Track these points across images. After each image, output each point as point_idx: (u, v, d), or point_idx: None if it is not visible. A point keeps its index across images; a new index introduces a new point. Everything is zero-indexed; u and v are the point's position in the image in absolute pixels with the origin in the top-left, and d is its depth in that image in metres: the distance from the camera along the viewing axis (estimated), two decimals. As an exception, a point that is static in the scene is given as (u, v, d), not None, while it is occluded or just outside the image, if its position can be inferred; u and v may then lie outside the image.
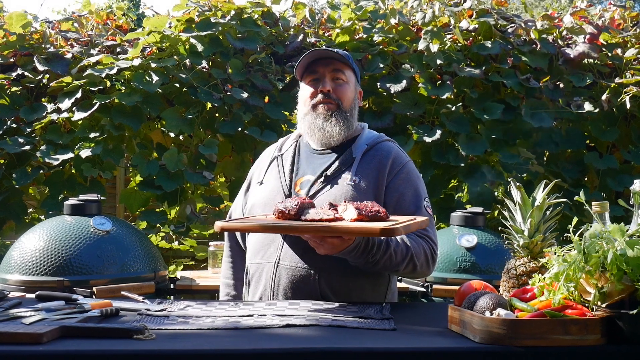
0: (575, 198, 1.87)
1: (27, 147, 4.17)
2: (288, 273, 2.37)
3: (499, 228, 2.24)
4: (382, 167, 2.43)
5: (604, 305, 1.67)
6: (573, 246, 1.74)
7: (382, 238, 2.22)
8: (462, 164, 4.37)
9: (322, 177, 2.44)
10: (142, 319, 1.94)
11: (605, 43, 4.57)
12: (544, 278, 1.81)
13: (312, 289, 2.34)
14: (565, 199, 2.11)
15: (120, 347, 1.63)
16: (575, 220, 1.82)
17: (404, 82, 4.38)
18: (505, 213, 2.09)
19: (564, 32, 4.64)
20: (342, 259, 2.25)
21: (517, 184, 2.06)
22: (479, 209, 3.70)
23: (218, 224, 2.14)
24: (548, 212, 2.05)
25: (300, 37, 4.51)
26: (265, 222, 2.13)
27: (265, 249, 2.44)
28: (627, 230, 1.71)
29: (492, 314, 1.71)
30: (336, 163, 2.45)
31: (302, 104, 2.53)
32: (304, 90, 2.52)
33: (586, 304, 1.72)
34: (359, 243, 2.17)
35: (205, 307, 2.12)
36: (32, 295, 2.34)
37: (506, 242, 2.11)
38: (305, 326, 1.88)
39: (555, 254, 1.81)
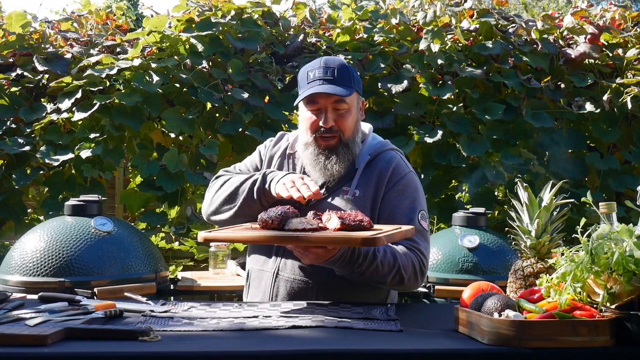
0: (583, 199, 1.86)
1: (26, 148, 4.15)
2: (286, 284, 2.38)
3: (505, 229, 2.23)
4: (381, 179, 2.41)
5: (613, 307, 1.66)
6: (581, 247, 1.73)
7: (369, 249, 2.20)
8: (463, 165, 4.36)
9: (324, 189, 2.42)
10: (146, 321, 1.93)
11: (606, 43, 4.56)
12: (552, 279, 1.80)
13: (309, 300, 2.33)
14: (571, 200, 2.11)
15: (125, 349, 1.62)
16: (583, 220, 1.81)
17: (405, 82, 4.37)
18: (512, 213, 2.08)
19: (565, 32, 4.64)
20: (337, 273, 2.25)
21: (524, 184, 2.05)
22: (481, 210, 3.69)
23: (201, 235, 2.10)
24: (555, 213, 2.04)
25: (301, 37, 4.50)
26: (248, 234, 2.11)
27: (266, 258, 2.44)
28: (635, 231, 1.70)
29: (500, 315, 1.70)
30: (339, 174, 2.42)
31: (303, 130, 2.44)
32: (305, 116, 2.42)
33: (595, 305, 1.71)
34: (344, 253, 2.16)
35: (210, 308, 2.11)
36: (34, 296, 2.32)
37: (513, 243, 2.10)
38: (311, 327, 1.87)
39: (562, 254, 1.80)
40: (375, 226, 2.15)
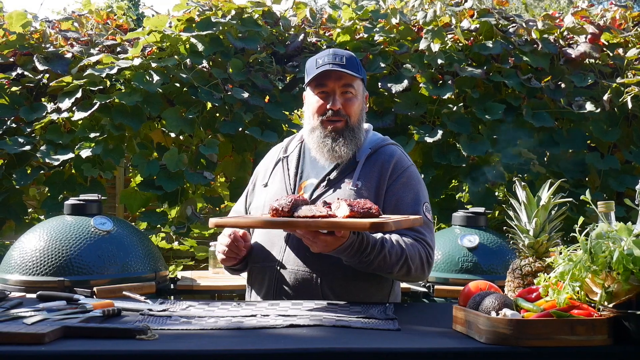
0: (582, 197, 1.85)
1: (27, 147, 4.15)
2: (290, 276, 2.37)
3: (504, 228, 2.23)
4: (384, 172, 2.42)
5: (610, 306, 1.66)
6: (579, 246, 1.73)
7: (377, 238, 2.22)
8: (464, 164, 4.36)
9: (325, 181, 2.44)
10: (144, 319, 1.93)
11: (607, 43, 4.56)
12: (550, 277, 1.80)
13: (314, 292, 2.33)
14: (569, 199, 2.10)
15: (122, 348, 1.61)
16: (581, 219, 1.81)
17: (405, 82, 4.36)
18: (510, 213, 2.08)
19: (565, 32, 4.63)
20: (344, 263, 2.24)
21: (523, 183, 2.04)
22: (481, 209, 3.69)
23: (212, 221, 2.14)
24: (553, 212, 2.03)
25: (301, 36, 4.50)
26: (258, 218, 2.13)
27: (268, 253, 2.44)
28: (634, 230, 1.70)
29: (498, 314, 1.70)
30: (339, 167, 2.44)
31: (309, 115, 2.48)
32: (312, 101, 2.46)
33: (592, 304, 1.70)
34: (353, 241, 2.16)
35: (208, 307, 2.11)
36: (33, 296, 2.32)
37: (511, 242, 2.09)
38: (309, 326, 1.86)
39: (560, 253, 1.79)
40: (383, 215, 2.16)
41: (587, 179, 4.59)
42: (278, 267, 2.39)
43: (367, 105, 2.59)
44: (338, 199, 2.16)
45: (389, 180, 2.42)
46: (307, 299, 2.30)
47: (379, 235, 2.24)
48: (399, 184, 2.41)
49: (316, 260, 2.30)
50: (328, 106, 2.42)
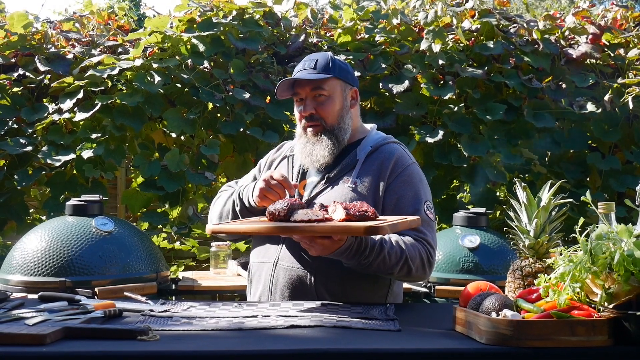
0: (582, 198, 1.86)
1: (28, 148, 4.15)
2: (285, 273, 2.38)
3: (504, 228, 2.23)
4: (384, 169, 2.42)
5: (611, 306, 1.66)
6: (579, 247, 1.73)
7: (376, 240, 2.22)
8: (465, 165, 4.36)
9: (325, 179, 2.44)
10: (145, 320, 1.93)
11: (608, 43, 4.56)
12: (550, 278, 1.80)
13: (308, 290, 2.34)
14: (570, 200, 2.10)
15: (124, 348, 1.62)
16: (582, 220, 1.81)
17: (406, 82, 4.37)
18: (511, 213, 2.08)
19: (566, 33, 4.63)
20: (339, 261, 2.25)
21: (523, 184, 2.05)
22: (482, 210, 3.69)
23: (209, 227, 2.14)
24: (554, 213, 2.03)
25: (302, 37, 4.50)
26: (254, 225, 2.13)
27: (266, 249, 2.46)
28: (635, 231, 1.70)
29: (498, 315, 1.70)
30: (340, 165, 2.45)
31: (297, 122, 2.53)
32: (295, 109, 2.52)
33: (593, 305, 1.70)
34: (351, 244, 2.16)
35: (209, 308, 2.12)
36: (34, 296, 2.33)
37: (512, 243, 2.09)
38: (309, 327, 1.87)
39: (561, 254, 1.80)
40: (380, 217, 2.16)
41: (588, 179, 4.59)
42: (274, 264, 2.40)
43: (358, 100, 2.55)
44: (334, 202, 2.16)
45: (389, 178, 2.41)
46: (302, 297, 2.31)
47: (378, 236, 2.24)
48: (400, 182, 2.41)
49: (311, 259, 2.31)
50: (302, 114, 2.46)
